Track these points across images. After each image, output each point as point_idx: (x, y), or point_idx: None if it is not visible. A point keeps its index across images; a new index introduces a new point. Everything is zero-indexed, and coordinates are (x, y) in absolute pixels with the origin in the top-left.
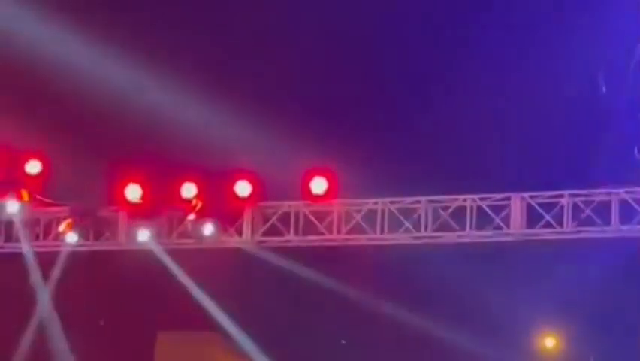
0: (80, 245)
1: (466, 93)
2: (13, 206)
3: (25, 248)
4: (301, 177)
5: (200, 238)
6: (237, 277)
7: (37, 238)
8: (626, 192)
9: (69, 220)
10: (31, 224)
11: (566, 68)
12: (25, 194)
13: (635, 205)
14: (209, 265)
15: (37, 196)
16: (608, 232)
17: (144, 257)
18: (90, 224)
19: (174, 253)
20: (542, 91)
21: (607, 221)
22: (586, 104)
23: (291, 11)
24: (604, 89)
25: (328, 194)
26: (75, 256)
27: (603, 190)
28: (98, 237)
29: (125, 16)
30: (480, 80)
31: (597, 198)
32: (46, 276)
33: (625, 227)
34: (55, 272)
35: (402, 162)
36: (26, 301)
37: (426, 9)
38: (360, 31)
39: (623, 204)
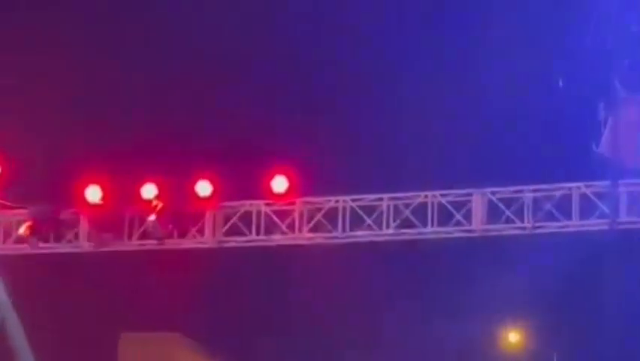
0: (40, 248)
1: (426, 90)
2: None
3: None
4: (262, 177)
5: (161, 238)
6: (199, 278)
7: None
8: (586, 186)
9: (29, 223)
10: None
11: (524, 63)
12: None
13: (595, 200)
14: (171, 266)
15: None
16: (569, 227)
17: (105, 259)
18: (51, 227)
19: (135, 255)
20: (501, 87)
21: (568, 216)
22: (544, 100)
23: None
24: (561, 84)
25: (289, 193)
26: (36, 259)
27: (563, 185)
28: (59, 239)
29: (81, 14)
30: (439, 76)
31: (558, 193)
32: (7, 279)
33: (585, 222)
34: (17, 275)
35: (363, 160)
36: None
37: (379, 6)
38: (315, 29)
39: (584, 198)
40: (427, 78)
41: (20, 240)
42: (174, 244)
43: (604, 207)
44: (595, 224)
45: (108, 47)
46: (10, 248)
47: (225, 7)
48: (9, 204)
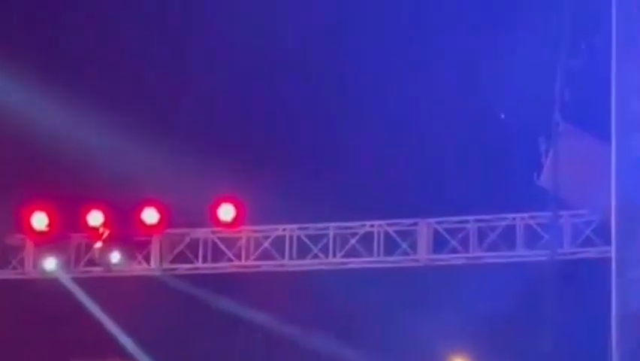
0: None
1: (373, 118)
2: None
3: None
4: (209, 204)
5: (108, 265)
6: (146, 305)
7: None
8: (530, 217)
9: None
10: None
11: (468, 95)
12: None
13: (539, 230)
14: (118, 292)
15: None
16: (513, 257)
17: (52, 286)
18: None
19: (82, 282)
20: (446, 118)
21: (512, 246)
22: (488, 131)
23: (196, 43)
24: (503, 116)
25: (236, 221)
26: None
27: (508, 216)
28: (4, 265)
29: (25, 41)
30: (386, 105)
31: (502, 223)
32: None
33: (529, 252)
34: None
35: (310, 189)
36: None
37: (321, 34)
38: (260, 57)
39: (528, 229)
40: (373, 106)
41: None
42: (120, 271)
43: (547, 238)
44: (538, 254)
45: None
46: None
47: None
48: None
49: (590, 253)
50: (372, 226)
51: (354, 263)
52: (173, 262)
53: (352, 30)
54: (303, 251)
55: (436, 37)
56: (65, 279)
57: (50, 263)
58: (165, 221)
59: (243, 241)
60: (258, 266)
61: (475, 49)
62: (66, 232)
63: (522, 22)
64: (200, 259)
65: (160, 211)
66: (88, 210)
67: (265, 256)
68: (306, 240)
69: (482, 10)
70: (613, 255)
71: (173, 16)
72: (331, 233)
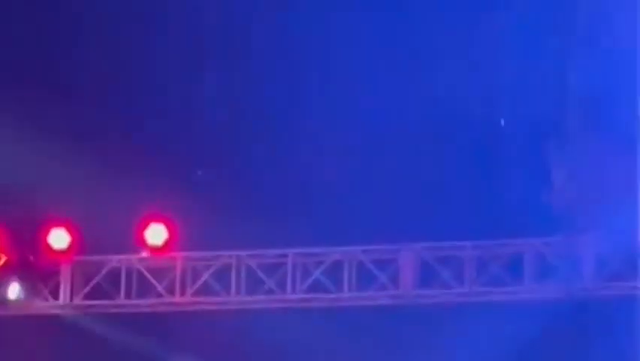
0: None
1: (341, 118)
2: None
3: None
4: (134, 225)
5: (5, 301)
6: (51, 351)
7: None
8: (542, 243)
9: None
10: None
11: (462, 95)
12: None
13: (553, 259)
14: (16, 335)
15: None
16: (520, 293)
17: None
18: None
19: None
20: (439, 120)
21: (518, 279)
22: (487, 138)
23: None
24: (503, 123)
25: (168, 245)
26: None
27: (513, 241)
28: None
29: None
30: (356, 126)
31: (507, 251)
32: None
33: (539, 286)
34: None
35: (264, 207)
36: None
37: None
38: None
39: (538, 258)
40: (337, 126)
41: None
42: (20, 307)
43: (563, 269)
44: (551, 290)
45: None
46: None
47: None
48: None
49: (617, 288)
50: (342, 253)
51: (319, 300)
52: (87, 297)
53: (317, 40)
54: (253, 284)
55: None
56: None
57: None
58: (77, 246)
59: (178, 272)
60: (197, 303)
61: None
62: None
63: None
64: (122, 294)
65: (71, 233)
66: None
67: (205, 290)
68: (257, 270)
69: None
70: None
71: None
72: (290, 262)
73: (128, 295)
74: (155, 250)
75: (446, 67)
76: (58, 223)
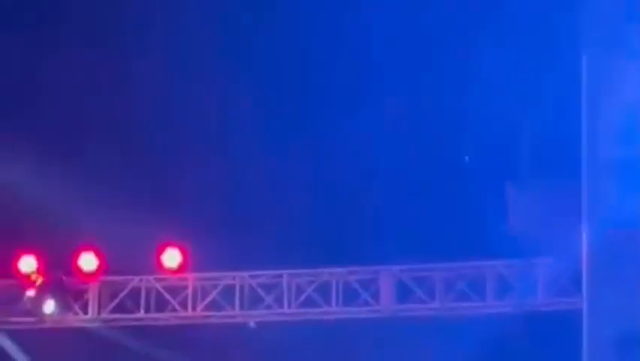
0: None
1: (329, 157)
2: None
3: None
4: (152, 250)
5: (42, 316)
6: (82, 359)
7: None
8: (502, 265)
9: None
10: None
11: (430, 136)
12: None
13: (511, 279)
14: (52, 345)
15: None
16: (482, 308)
17: None
18: None
19: (12, 333)
20: (411, 160)
21: (482, 296)
22: (454, 174)
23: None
24: (466, 158)
25: (182, 267)
26: None
27: (477, 263)
28: None
29: None
30: (346, 144)
31: (471, 272)
32: None
33: (499, 302)
34: None
35: (263, 233)
36: None
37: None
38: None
39: (498, 277)
40: (334, 143)
41: None
42: (55, 321)
43: (519, 288)
44: (509, 305)
45: None
46: None
47: None
48: None
49: (564, 303)
50: (330, 273)
51: (311, 314)
52: (112, 311)
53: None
54: (254, 301)
55: (396, 79)
56: None
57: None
58: (104, 268)
59: (190, 290)
60: (206, 317)
61: (437, 91)
62: None
63: (487, 63)
64: (142, 309)
65: (98, 257)
66: (19, 256)
67: (214, 306)
68: (258, 288)
69: (444, 55)
70: (584, 305)
71: (106, 74)
72: (285, 281)
73: (147, 310)
74: (170, 271)
75: (420, 110)
76: (88, 248)
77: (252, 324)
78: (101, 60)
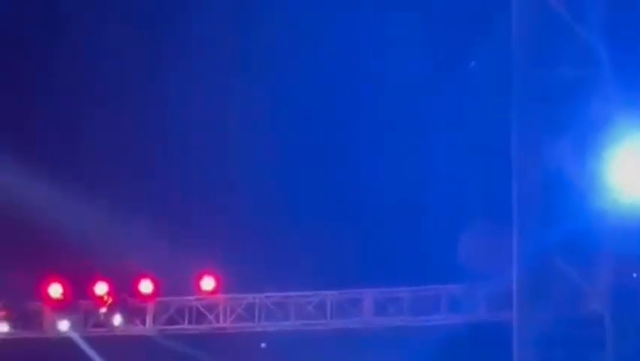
0: (11, 333)
1: (323, 212)
2: None
3: None
4: (193, 277)
5: (111, 327)
6: (142, 359)
7: None
8: (452, 287)
9: (1, 313)
10: None
11: (398, 187)
12: None
13: (460, 298)
14: (119, 350)
15: None
16: (438, 320)
17: (66, 343)
18: (19, 316)
19: (90, 340)
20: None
21: (437, 311)
22: (409, 207)
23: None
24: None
25: (215, 290)
26: (6, 343)
27: (433, 286)
28: (25, 326)
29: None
30: (335, 201)
31: (429, 294)
32: None
33: (450, 315)
34: None
35: (274, 265)
36: None
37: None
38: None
39: (450, 297)
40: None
41: None
42: (122, 331)
43: (466, 304)
44: (459, 317)
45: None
46: None
47: None
48: None
49: (500, 316)
50: (325, 295)
51: (311, 326)
52: (164, 324)
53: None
54: (269, 315)
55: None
56: (76, 338)
57: (64, 325)
58: (158, 290)
59: (221, 307)
60: (234, 328)
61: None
62: (77, 300)
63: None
64: (186, 322)
65: (154, 283)
66: (95, 282)
67: (239, 319)
68: (271, 306)
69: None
70: (514, 317)
71: (160, 109)
72: (292, 301)
73: (190, 322)
74: (206, 293)
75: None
76: (145, 276)
77: (263, 345)
78: (145, 100)
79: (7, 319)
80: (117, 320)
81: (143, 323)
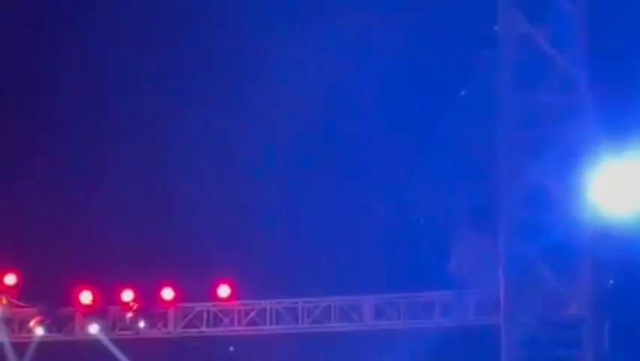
0: (46, 336)
1: (328, 205)
2: None
3: (4, 339)
4: (211, 285)
5: (137, 330)
6: (164, 360)
7: (13, 331)
8: (443, 294)
9: (38, 318)
10: (9, 321)
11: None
12: (4, 299)
13: (451, 304)
14: (144, 350)
15: (14, 301)
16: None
17: (95, 345)
18: (53, 320)
19: (117, 342)
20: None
21: (430, 315)
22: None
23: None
24: (421, 221)
25: (230, 297)
26: (42, 345)
27: (427, 293)
28: (59, 330)
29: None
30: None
31: (423, 300)
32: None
33: (442, 320)
34: (27, 358)
35: (284, 274)
36: None
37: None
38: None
39: (441, 303)
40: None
41: (30, 330)
42: (146, 334)
43: (457, 309)
44: (451, 321)
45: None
46: (23, 337)
47: None
48: (22, 304)
49: (487, 320)
50: (330, 300)
51: (317, 328)
52: (184, 327)
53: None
54: (279, 319)
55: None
56: (105, 340)
57: (94, 328)
58: (179, 297)
59: (236, 312)
60: (247, 330)
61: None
62: (105, 306)
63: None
64: (204, 325)
65: (175, 290)
66: (122, 290)
67: (252, 322)
68: (282, 311)
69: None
70: (501, 320)
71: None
72: (300, 306)
73: (207, 326)
74: (222, 300)
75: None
76: (167, 285)
77: (231, 348)
78: (164, 107)
79: (42, 323)
80: (142, 323)
81: (165, 326)
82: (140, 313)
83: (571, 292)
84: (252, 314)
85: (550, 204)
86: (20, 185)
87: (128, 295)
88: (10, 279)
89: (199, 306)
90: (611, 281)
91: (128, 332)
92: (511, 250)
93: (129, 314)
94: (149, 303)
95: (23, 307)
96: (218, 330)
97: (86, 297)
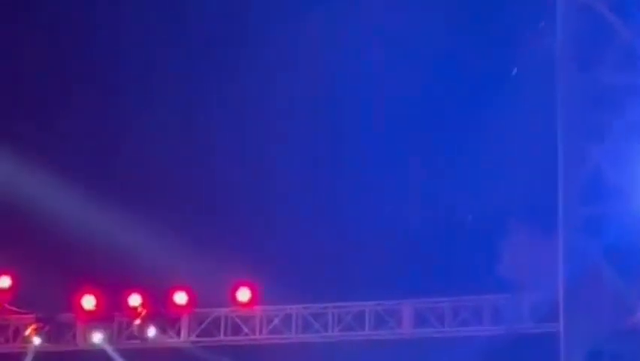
0: (44, 346)
1: (360, 206)
2: None
3: None
4: (229, 288)
5: (145, 339)
6: None
7: (6, 341)
8: (494, 298)
9: (35, 325)
10: (2, 329)
11: (439, 197)
12: None
13: (502, 309)
14: (153, 359)
15: (7, 306)
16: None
17: (99, 356)
18: (52, 328)
19: (124, 353)
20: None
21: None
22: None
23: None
24: (470, 217)
25: (251, 302)
26: (39, 356)
27: (475, 297)
28: (59, 339)
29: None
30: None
31: (471, 304)
32: None
33: (494, 327)
34: None
35: (312, 275)
36: None
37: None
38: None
39: (491, 308)
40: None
41: (26, 340)
42: (156, 343)
43: (509, 315)
44: (502, 329)
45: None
46: (18, 346)
47: None
48: (17, 309)
49: (545, 327)
50: (364, 306)
51: (350, 336)
52: (199, 335)
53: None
54: (306, 327)
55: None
56: (110, 350)
57: (97, 337)
58: (193, 302)
59: (257, 319)
60: (270, 339)
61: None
62: (110, 312)
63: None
64: (222, 333)
65: (188, 294)
66: (129, 294)
67: (275, 330)
68: (309, 317)
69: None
70: (561, 328)
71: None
72: (330, 312)
73: (225, 334)
74: (242, 304)
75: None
76: (180, 288)
77: None
78: (179, 113)
79: (39, 331)
80: (151, 331)
81: (178, 334)
82: (149, 319)
83: None
84: (276, 321)
85: (614, 197)
86: None
87: (135, 300)
88: (4, 281)
89: (216, 312)
90: None
91: (136, 341)
92: (572, 248)
93: (137, 321)
94: (159, 308)
95: (18, 313)
96: (238, 339)
97: (88, 302)
